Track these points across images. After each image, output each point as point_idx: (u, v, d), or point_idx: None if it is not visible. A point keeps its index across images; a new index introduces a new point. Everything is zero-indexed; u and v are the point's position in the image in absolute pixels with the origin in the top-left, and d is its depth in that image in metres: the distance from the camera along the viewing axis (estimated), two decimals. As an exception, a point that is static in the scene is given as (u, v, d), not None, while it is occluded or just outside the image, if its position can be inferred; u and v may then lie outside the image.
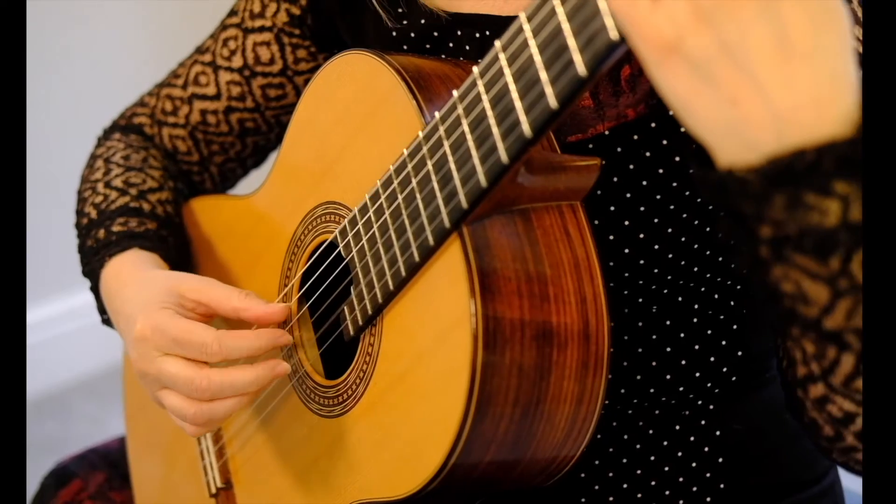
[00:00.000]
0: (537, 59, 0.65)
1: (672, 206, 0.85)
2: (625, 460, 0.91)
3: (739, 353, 0.91)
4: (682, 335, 0.89)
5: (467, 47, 0.89)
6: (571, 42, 0.62)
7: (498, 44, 0.68)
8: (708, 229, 0.86)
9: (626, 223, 0.85)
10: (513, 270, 0.74)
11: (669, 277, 0.87)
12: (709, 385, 0.91)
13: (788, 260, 0.58)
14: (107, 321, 1.04)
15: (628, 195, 0.85)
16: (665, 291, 0.88)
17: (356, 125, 0.85)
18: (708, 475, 0.92)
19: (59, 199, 2.01)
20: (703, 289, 0.88)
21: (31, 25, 2.21)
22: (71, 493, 1.15)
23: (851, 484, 1.03)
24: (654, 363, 0.89)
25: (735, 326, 0.90)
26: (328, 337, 0.90)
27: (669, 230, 0.85)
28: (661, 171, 0.84)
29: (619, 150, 0.84)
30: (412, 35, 0.92)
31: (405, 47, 0.92)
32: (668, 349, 0.89)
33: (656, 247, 0.86)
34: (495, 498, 0.84)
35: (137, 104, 1.17)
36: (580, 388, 0.76)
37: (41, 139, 2.25)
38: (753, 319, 0.91)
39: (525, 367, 0.74)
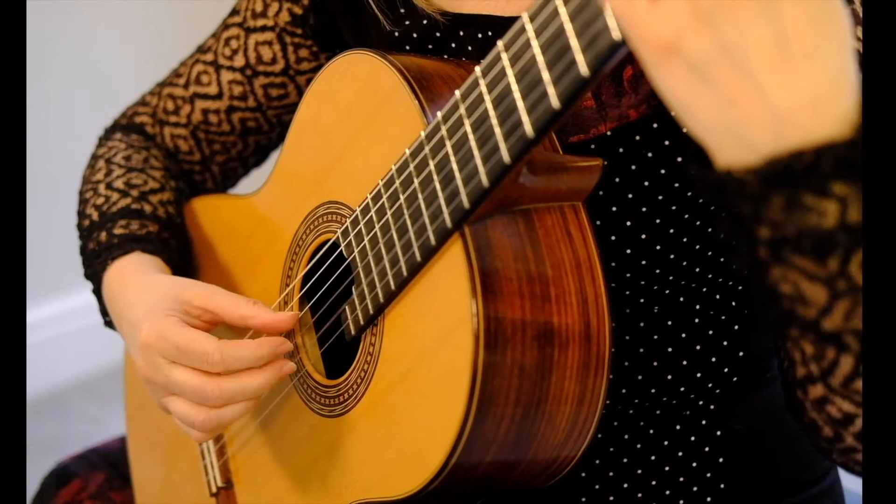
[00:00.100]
0: (540, 59, 0.65)
1: (674, 207, 0.85)
2: (625, 460, 0.91)
3: (740, 354, 0.91)
4: (683, 335, 0.89)
5: (469, 48, 0.89)
6: (574, 42, 0.62)
7: (500, 44, 0.68)
8: (709, 230, 0.86)
9: (628, 224, 0.85)
10: (514, 271, 0.74)
11: (671, 278, 0.87)
12: (710, 385, 0.91)
13: (787, 261, 0.58)
14: (109, 323, 1.04)
15: (630, 196, 0.85)
16: (666, 292, 0.88)
17: (358, 125, 0.85)
18: (708, 475, 0.92)
19: (59, 199, 2.01)
20: (704, 289, 0.88)
21: (31, 25, 2.21)
22: (71, 492, 1.15)
23: (851, 484, 1.03)
24: (655, 363, 0.89)
25: (736, 327, 0.90)
26: (329, 336, 0.90)
27: (671, 231, 0.85)
28: (662, 171, 0.84)
29: (621, 150, 0.84)
30: (414, 35, 0.92)
31: (407, 47, 0.92)
32: (670, 349, 0.89)
33: (658, 247, 0.86)
34: (496, 498, 0.84)
35: (139, 103, 1.17)
36: (581, 389, 0.76)
37: (41, 139, 2.25)
38: (754, 320, 0.91)
39: (526, 367, 0.74)
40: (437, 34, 0.91)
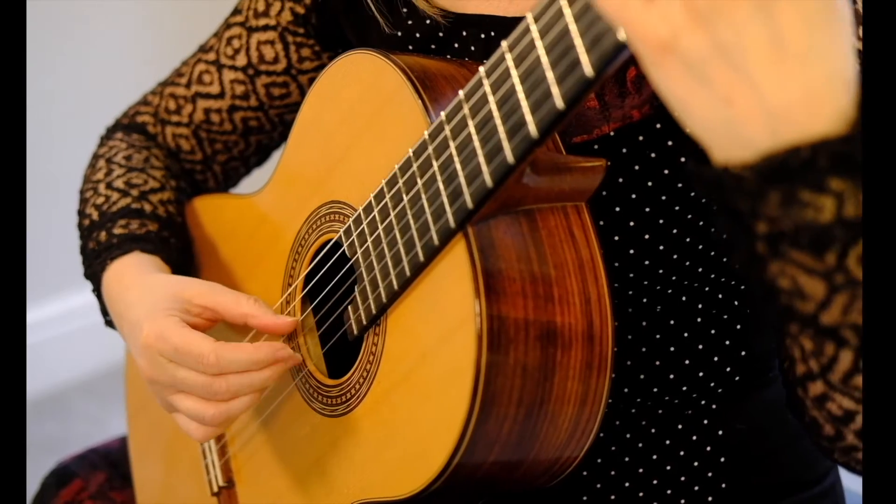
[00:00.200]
0: (544, 59, 0.65)
1: (677, 207, 0.85)
2: (627, 459, 0.91)
3: (743, 353, 0.91)
4: (685, 335, 0.89)
5: (472, 48, 0.89)
6: (578, 42, 0.62)
7: (504, 44, 0.68)
8: (712, 230, 0.86)
9: (632, 224, 0.85)
10: (517, 271, 0.74)
11: (674, 278, 0.87)
12: (712, 384, 0.91)
13: (784, 256, 0.58)
14: (109, 323, 1.04)
15: (633, 196, 0.85)
16: (669, 291, 0.88)
17: (361, 125, 0.85)
18: (710, 474, 0.92)
19: (59, 199, 2.01)
20: (707, 289, 0.88)
21: (31, 25, 2.21)
22: (72, 492, 1.15)
23: (852, 484, 1.04)
24: (657, 362, 0.89)
25: (738, 326, 0.91)
26: (332, 336, 0.90)
27: (674, 231, 0.85)
28: (666, 171, 0.84)
29: (624, 151, 0.84)
30: (417, 35, 0.92)
31: (410, 47, 0.92)
32: (672, 349, 0.89)
33: (661, 247, 0.86)
34: (498, 498, 0.84)
35: (141, 103, 1.17)
36: (584, 389, 0.76)
37: (41, 139, 2.25)
38: (757, 319, 0.91)
39: (529, 367, 0.74)
40: (440, 34, 0.91)
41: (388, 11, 0.94)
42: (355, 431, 0.84)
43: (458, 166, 0.73)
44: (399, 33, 0.93)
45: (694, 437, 0.92)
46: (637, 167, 0.84)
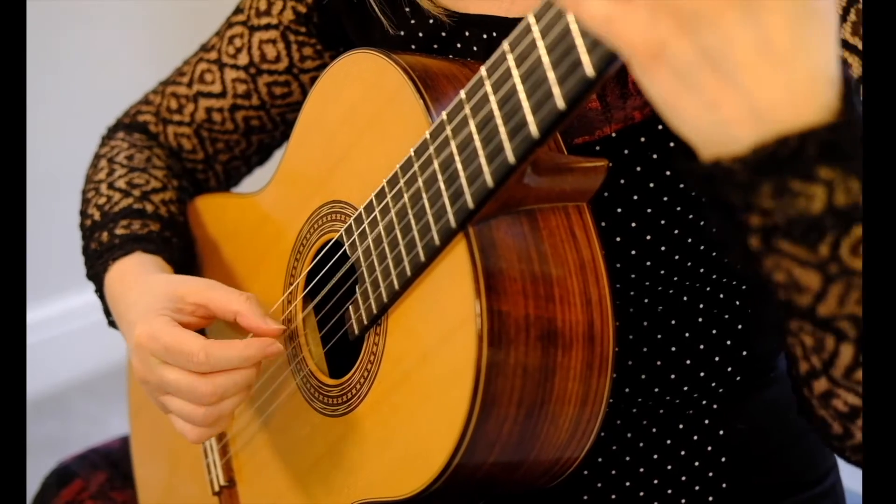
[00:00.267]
0: (545, 59, 0.65)
1: (678, 208, 0.85)
2: (628, 458, 0.91)
3: (744, 353, 0.91)
4: (687, 335, 0.89)
5: (475, 48, 0.89)
6: (579, 43, 0.62)
7: (506, 44, 0.68)
8: (712, 229, 0.86)
9: (633, 225, 0.85)
10: (518, 271, 0.74)
11: (675, 278, 0.87)
12: (713, 384, 0.91)
13: (778, 249, 0.58)
14: (112, 323, 1.04)
15: (635, 197, 0.85)
16: (671, 292, 0.88)
17: (363, 124, 0.85)
18: (711, 474, 0.92)
19: (59, 199, 2.01)
20: (708, 289, 0.88)
21: (31, 25, 2.21)
22: (72, 492, 1.15)
23: (852, 484, 1.04)
24: (658, 362, 0.90)
25: (740, 326, 0.91)
26: (333, 336, 0.90)
27: (676, 231, 0.85)
28: (667, 173, 0.84)
29: (625, 152, 0.84)
30: (420, 35, 0.92)
31: (412, 47, 0.92)
32: (673, 349, 0.89)
33: (662, 248, 0.86)
34: (498, 498, 0.84)
35: (142, 102, 1.17)
36: (585, 390, 0.76)
37: (41, 139, 2.25)
38: (758, 319, 0.91)
39: (530, 367, 0.74)
40: (443, 34, 0.91)
41: (390, 11, 0.94)
42: (356, 431, 0.84)
43: (459, 166, 0.73)
44: (402, 33, 0.93)
45: (695, 437, 0.92)
46: (639, 168, 0.85)
